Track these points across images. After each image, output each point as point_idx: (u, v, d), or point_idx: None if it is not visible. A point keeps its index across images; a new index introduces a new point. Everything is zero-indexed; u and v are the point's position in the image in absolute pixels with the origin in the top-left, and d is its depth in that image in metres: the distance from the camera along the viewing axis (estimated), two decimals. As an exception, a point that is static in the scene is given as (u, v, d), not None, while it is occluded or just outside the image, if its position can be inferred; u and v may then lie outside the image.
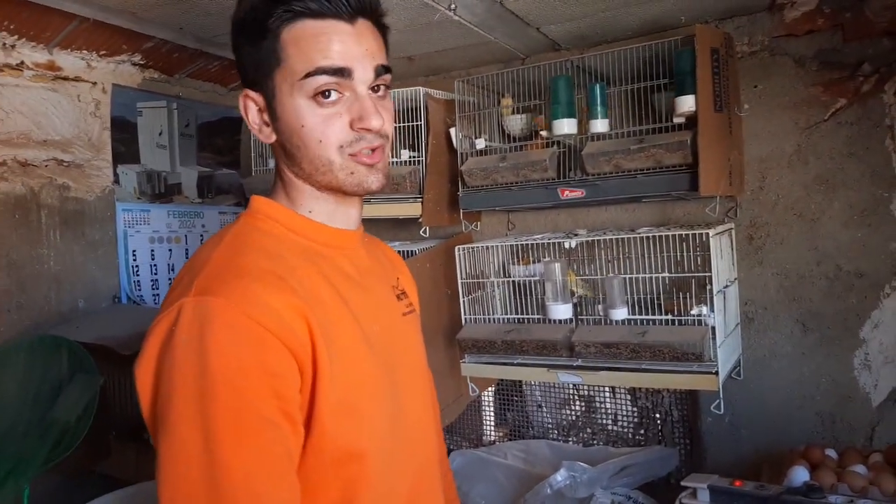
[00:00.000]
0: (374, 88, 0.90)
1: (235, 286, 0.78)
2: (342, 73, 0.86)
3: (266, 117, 0.91)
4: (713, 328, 1.64)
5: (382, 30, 0.95)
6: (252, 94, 0.91)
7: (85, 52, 2.12)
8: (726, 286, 1.81)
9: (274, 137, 0.92)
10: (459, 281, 1.98)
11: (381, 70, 0.90)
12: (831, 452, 1.67)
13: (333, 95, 0.87)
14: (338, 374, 0.81)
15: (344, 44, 0.86)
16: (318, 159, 0.88)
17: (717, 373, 1.60)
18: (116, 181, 2.34)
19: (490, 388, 2.38)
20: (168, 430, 0.73)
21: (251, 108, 0.92)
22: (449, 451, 2.30)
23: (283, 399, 0.77)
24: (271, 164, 1.86)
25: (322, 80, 0.85)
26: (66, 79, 2.16)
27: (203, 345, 0.74)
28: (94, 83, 2.25)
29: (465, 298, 1.99)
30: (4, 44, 1.96)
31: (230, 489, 0.72)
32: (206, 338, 0.74)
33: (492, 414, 2.43)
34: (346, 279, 0.93)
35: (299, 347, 0.78)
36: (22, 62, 2.03)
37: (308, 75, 0.85)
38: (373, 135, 0.89)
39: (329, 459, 0.82)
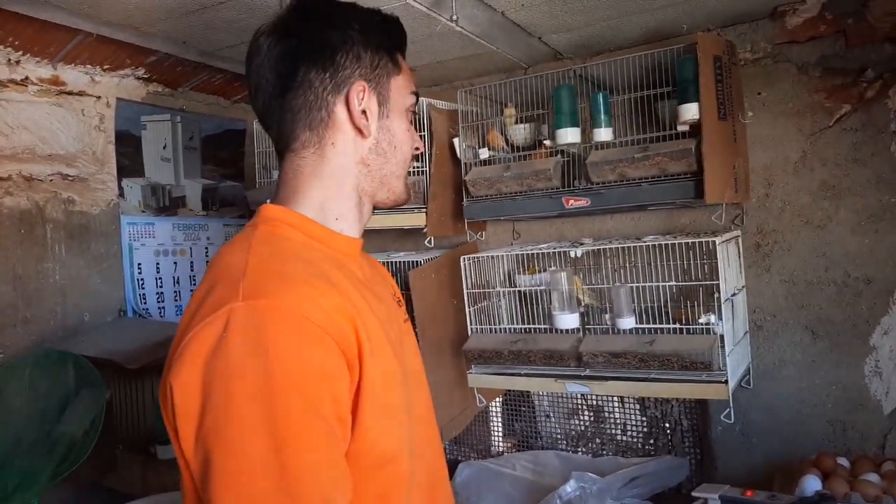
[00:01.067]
0: None
1: (287, 289, 0.78)
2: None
3: (372, 114, 0.96)
4: (722, 336, 1.63)
5: None
6: (367, 86, 0.95)
7: (89, 66, 2.13)
8: (734, 294, 1.80)
9: (373, 133, 0.96)
10: (465, 291, 1.97)
11: None
12: (843, 461, 1.65)
13: (411, 116, 1.03)
14: (377, 378, 0.83)
15: None
16: (403, 162, 1.01)
17: (726, 381, 1.59)
18: (121, 195, 2.34)
19: (497, 399, 2.37)
20: (226, 438, 0.71)
21: (362, 100, 0.95)
22: (457, 462, 2.29)
23: (338, 402, 0.77)
24: (275, 175, 1.86)
25: (415, 102, 1.04)
26: (70, 93, 2.17)
27: (263, 349, 0.73)
28: (99, 97, 2.25)
29: (471, 309, 1.99)
30: (9, 59, 1.97)
31: (303, 495, 0.71)
32: (265, 342, 0.73)
33: (499, 424, 2.42)
34: (363, 285, 0.94)
35: (349, 349, 0.79)
36: (27, 77, 2.04)
37: (413, 93, 1.02)
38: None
39: (367, 464, 0.82)
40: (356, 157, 0.96)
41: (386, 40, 0.98)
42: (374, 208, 1.02)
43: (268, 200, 0.98)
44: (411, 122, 1.03)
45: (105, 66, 2.15)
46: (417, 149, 1.04)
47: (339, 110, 0.94)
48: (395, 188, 1.01)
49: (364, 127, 0.94)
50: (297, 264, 0.84)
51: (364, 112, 0.94)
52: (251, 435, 0.70)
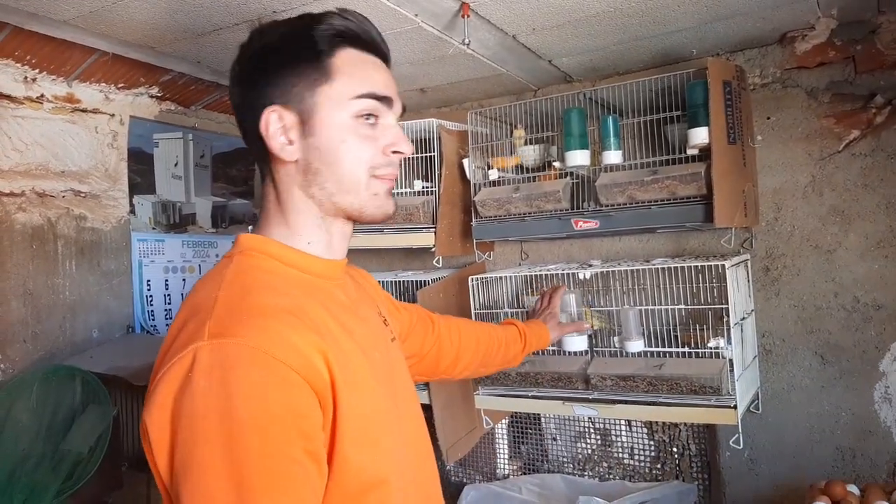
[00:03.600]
0: None
1: (253, 326, 0.77)
2: (386, 101, 0.94)
3: (293, 135, 0.91)
4: (731, 361, 1.63)
5: None
6: (281, 109, 0.90)
7: (103, 84, 2.16)
8: (743, 318, 1.80)
9: (297, 155, 0.91)
10: (473, 311, 1.97)
11: (403, 110, 0.99)
12: (853, 488, 1.63)
13: (371, 120, 0.93)
14: (355, 406, 0.82)
15: (386, 77, 0.96)
16: (350, 176, 0.92)
17: (735, 406, 1.58)
18: (132, 211, 2.36)
19: (504, 420, 2.36)
20: (192, 481, 0.71)
21: (274, 125, 0.90)
22: (462, 485, 2.28)
23: (309, 439, 0.76)
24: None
25: (370, 104, 0.92)
26: (84, 111, 2.19)
27: (226, 389, 0.72)
28: (112, 115, 2.28)
29: (479, 329, 1.98)
30: (26, 77, 1.99)
31: None
32: (229, 382, 0.72)
33: (506, 446, 2.40)
34: (344, 310, 0.93)
35: (321, 384, 0.78)
36: (42, 95, 2.06)
37: (359, 96, 0.91)
38: (397, 161, 0.96)
39: (354, 490, 0.82)
40: (295, 182, 0.93)
41: (307, 49, 0.90)
42: (364, 223, 0.97)
43: (248, 228, 0.99)
44: (373, 125, 0.93)
45: (119, 85, 2.18)
46: (396, 152, 0.95)
47: (261, 139, 0.91)
48: (359, 200, 0.93)
49: (280, 151, 0.91)
50: (269, 297, 0.83)
51: (287, 135, 0.91)
52: (214, 477, 0.70)
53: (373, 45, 0.95)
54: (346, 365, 0.83)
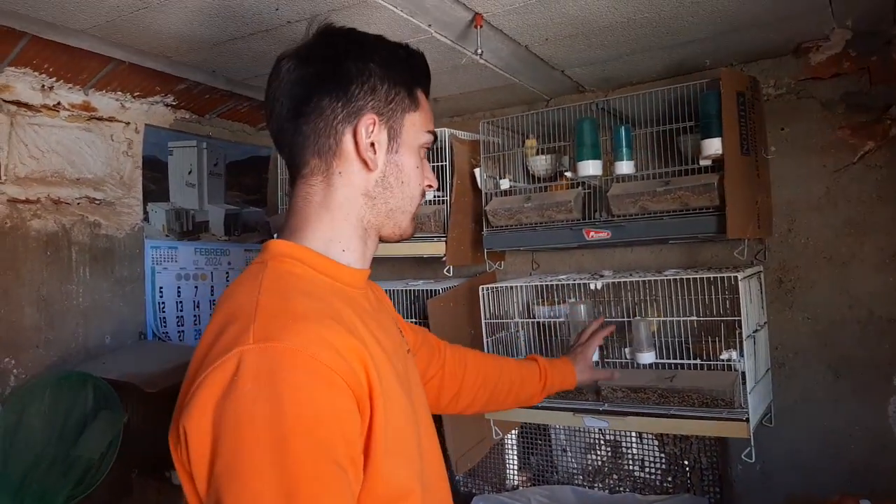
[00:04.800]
0: None
1: (299, 330, 0.77)
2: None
3: (379, 147, 0.96)
4: (743, 374, 1.61)
5: None
6: (377, 118, 0.95)
7: (119, 93, 2.18)
8: (756, 330, 1.78)
9: (379, 167, 0.97)
10: (483, 321, 1.97)
11: None
12: (866, 503, 1.61)
13: (424, 154, 1.04)
14: (388, 415, 0.83)
15: None
16: (410, 198, 1.01)
17: (747, 420, 1.56)
18: (146, 219, 2.38)
19: (513, 431, 2.35)
20: (238, 484, 0.70)
21: (367, 133, 0.95)
22: (471, 496, 2.27)
23: (351, 444, 0.77)
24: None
25: (431, 140, 1.04)
26: (100, 119, 2.22)
27: (275, 393, 0.72)
28: (128, 123, 2.30)
29: (489, 339, 1.98)
30: (43, 85, 2.02)
31: None
32: (277, 385, 0.72)
33: (515, 457, 2.39)
34: (371, 318, 0.94)
35: (360, 390, 0.79)
36: (58, 103, 2.09)
37: (429, 131, 1.03)
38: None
39: (384, 500, 0.82)
40: (362, 189, 0.96)
41: (405, 76, 0.99)
42: (401, 241, 1.03)
43: (275, 235, 1.00)
44: (424, 158, 1.04)
45: (135, 93, 2.20)
46: (430, 186, 1.05)
47: (347, 140, 0.94)
48: (402, 223, 1.02)
49: (370, 159, 0.95)
50: (308, 302, 0.84)
51: (373, 144, 0.95)
52: (261, 482, 0.69)
53: (428, 90, 1.05)
54: (381, 372, 0.83)
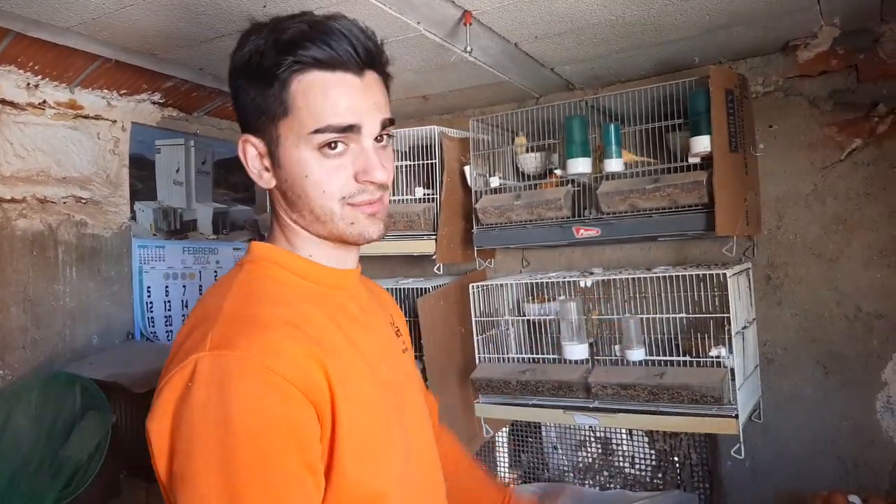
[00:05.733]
0: (377, 139, 0.90)
1: (253, 338, 0.77)
2: (350, 129, 0.87)
3: (266, 163, 0.90)
4: (732, 370, 1.62)
5: (387, 80, 0.95)
6: (253, 139, 0.90)
7: (106, 91, 2.16)
8: (745, 327, 1.79)
9: (274, 183, 0.91)
10: (473, 319, 1.97)
11: (387, 123, 0.91)
12: (855, 498, 1.62)
13: (339, 147, 0.87)
14: (355, 419, 0.82)
15: (353, 98, 0.87)
16: (319, 209, 0.89)
17: (737, 416, 1.57)
18: (133, 218, 2.36)
19: (504, 429, 2.35)
20: (187, 490, 0.72)
21: (251, 153, 0.91)
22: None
23: (306, 451, 0.76)
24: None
25: (330, 136, 0.86)
26: (86, 117, 2.19)
27: (224, 401, 0.73)
28: (114, 121, 2.28)
29: (479, 337, 1.98)
30: (28, 83, 1.99)
31: None
32: (227, 394, 0.73)
33: (506, 455, 2.39)
34: (352, 320, 0.93)
35: (319, 396, 0.78)
36: (44, 101, 2.06)
37: (317, 131, 0.85)
38: (374, 186, 0.90)
39: (353, 502, 0.81)
40: (281, 207, 0.94)
41: (267, 79, 0.86)
42: (358, 245, 0.95)
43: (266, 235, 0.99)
44: (340, 154, 0.87)
45: (122, 91, 2.18)
46: (371, 182, 0.89)
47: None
48: (338, 227, 0.90)
49: (257, 179, 0.92)
50: (272, 309, 0.83)
51: (262, 163, 0.91)
52: (210, 489, 0.71)
53: (339, 62, 0.85)
54: (348, 378, 0.83)
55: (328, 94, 0.85)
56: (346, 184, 0.88)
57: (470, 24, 1.58)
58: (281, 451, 0.74)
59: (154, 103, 2.33)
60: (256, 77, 0.87)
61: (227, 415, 0.72)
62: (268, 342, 0.77)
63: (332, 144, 0.86)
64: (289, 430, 0.75)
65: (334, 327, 0.87)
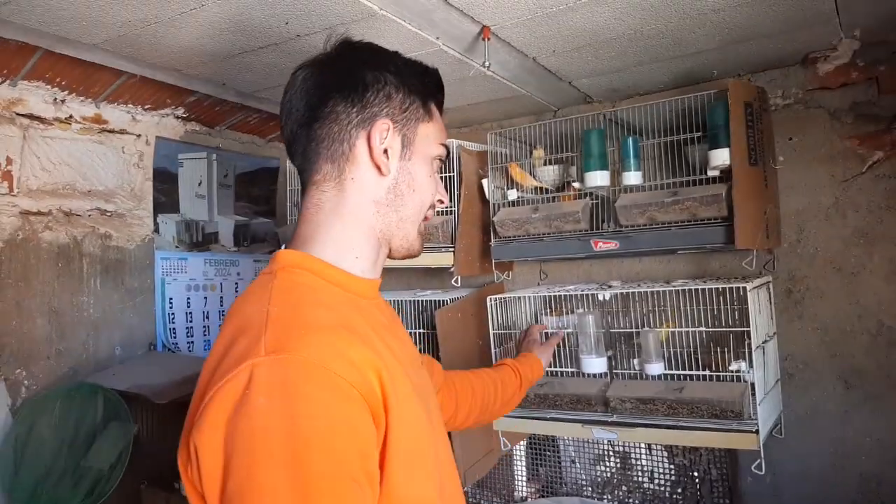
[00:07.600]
0: None
1: (312, 341, 0.75)
2: (447, 155, 1.06)
3: (392, 153, 0.96)
4: (753, 385, 1.61)
5: None
6: (391, 125, 0.96)
7: (130, 105, 2.20)
8: (765, 341, 1.77)
9: (392, 173, 0.97)
10: (491, 331, 1.97)
11: None
12: (879, 516, 1.60)
13: (437, 166, 1.04)
14: (404, 427, 0.80)
15: None
16: (418, 207, 1.00)
17: (757, 431, 1.56)
18: (156, 230, 2.40)
19: (522, 442, 2.34)
20: (251, 501, 0.67)
21: (384, 136, 0.95)
22: (480, 507, 2.26)
23: (367, 458, 0.74)
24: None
25: (443, 153, 1.04)
26: (111, 131, 2.24)
27: (290, 406, 0.70)
28: (139, 135, 2.32)
29: (497, 349, 1.98)
30: (55, 98, 2.04)
31: None
32: (292, 398, 0.70)
33: (523, 469, 2.38)
34: (384, 329, 0.93)
35: (375, 402, 0.77)
36: (70, 116, 2.11)
37: (442, 144, 1.04)
38: (434, 209, 1.05)
39: None
40: (373, 196, 0.96)
41: (420, 87, 1.00)
42: (408, 258, 1.02)
43: (283, 246, 0.98)
44: (436, 172, 1.03)
45: (146, 106, 2.22)
46: (441, 201, 1.05)
47: (361, 145, 0.94)
48: (409, 234, 1.00)
49: (383, 164, 0.94)
50: (321, 312, 0.82)
51: (386, 151, 0.95)
52: (279, 498, 0.67)
53: (442, 105, 1.06)
54: (395, 383, 0.81)
55: (442, 123, 1.07)
56: (433, 196, 1.03)
57: (488, 39, 1.60)
58: (348, 458, 0.71)
59: (177, 118, 2.37)
60: (412, 82, 0.99)
61: (293, 422, 0.69)
62: (328, 345, 0.75)
63: (439, 162, 1.04)
64: (353, 435, 0.73)
65: (374, 333, 0.86)
